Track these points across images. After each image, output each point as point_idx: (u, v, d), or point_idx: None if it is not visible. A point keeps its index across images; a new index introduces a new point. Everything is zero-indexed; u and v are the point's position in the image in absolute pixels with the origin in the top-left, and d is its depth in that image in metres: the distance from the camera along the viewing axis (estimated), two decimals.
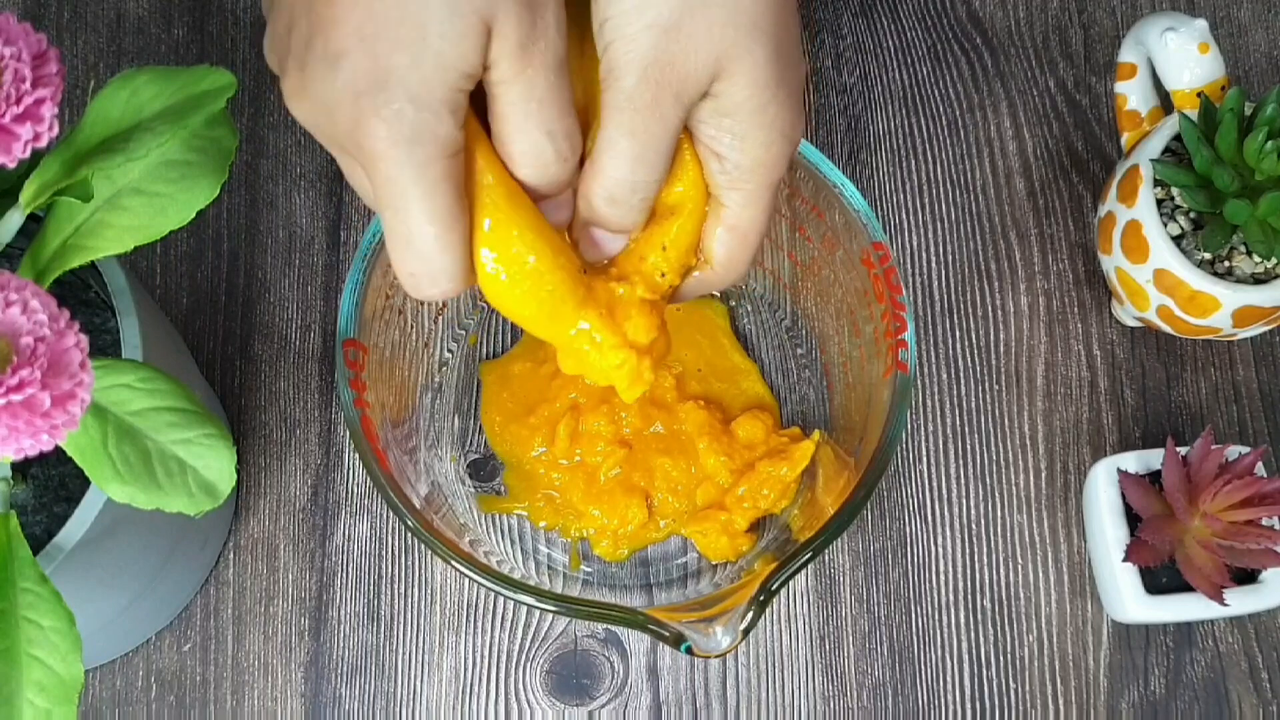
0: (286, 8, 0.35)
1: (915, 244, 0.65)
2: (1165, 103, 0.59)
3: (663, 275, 0.41)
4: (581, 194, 0.39)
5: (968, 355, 0.63)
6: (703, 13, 0.36)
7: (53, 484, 0.46)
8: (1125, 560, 0.55)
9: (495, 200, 0.37)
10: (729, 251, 0.41)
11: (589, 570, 0.58)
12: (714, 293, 0.62)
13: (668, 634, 0.44)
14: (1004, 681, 0.59)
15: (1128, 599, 0.56)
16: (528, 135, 0.37)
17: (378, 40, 0.33)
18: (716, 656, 0.44)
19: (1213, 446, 0.55)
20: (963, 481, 0.61)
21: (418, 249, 0.36)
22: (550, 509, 0.58)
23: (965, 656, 0.59)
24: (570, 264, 0.39)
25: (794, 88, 0.39)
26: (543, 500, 0.58)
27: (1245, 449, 0.56)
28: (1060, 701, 0.59)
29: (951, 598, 0.60)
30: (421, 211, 0.35)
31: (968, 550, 0.60)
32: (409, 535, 0.59)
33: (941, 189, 0.66)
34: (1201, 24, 0.55)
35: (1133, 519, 0.57)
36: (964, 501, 0.61)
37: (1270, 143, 0.52)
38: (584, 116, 0.38)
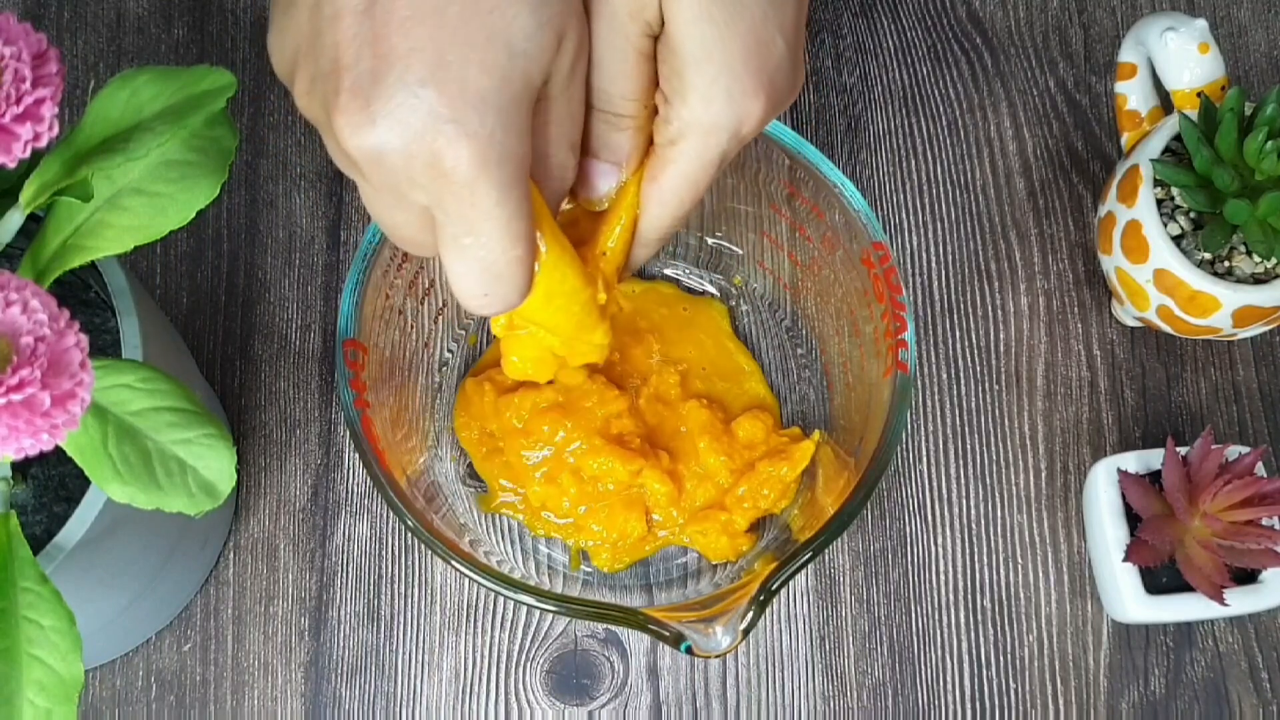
0: (330, 45, 0.34)
1: (915, 244, 0.65)
2: (1165, 103, 0.59)
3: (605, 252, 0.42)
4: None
5: (968, 355, 0.63)
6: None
7: (53, 484, 0.46)
8: (1125, 560, 0.55)
9: (542, 221, 0.37)
10: (646, 207, 0.40)
11: (589, 570, 0.58)
12: (714, 292, 0.62)
13: (668, 634, 0.44)
14: (1004, 681, 0.59)
15: (1128, 599, 0.56)
16: (562, 149, 0.36)
17: (467, 65, 0.32)
18: (716, 656, 0.44)
19: (1213, 446, 0.55)
20: (963, 481, 0.61)
21: (499, 271, 0.35)
22: (549, 523, 0.58)
23: (965, 656, 0.59)
24: (589, 278, 0.40)
25: (762, 36, 0.36)
26: (542, 525, 0.58)
27: (1245, 449, 0.56)
28: (1060, 701, 0.59)
29: (951, 598, 0.60)
30: (509, 234, 0.35)
31: (968, 550, 0.60)
32: (409, 535, 0.59)
33: (941, 189, 0.66)
34: (1201, 24, 0.55)
35: (1133, 519, 0.57)
36: (964, 501, 0.61)
37: (1270, 143, 0.52)
38: None
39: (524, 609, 0.59)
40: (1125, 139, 0.60)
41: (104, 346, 0.47)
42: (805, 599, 0.59)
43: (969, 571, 0.60)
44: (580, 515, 0.57)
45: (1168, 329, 0.58)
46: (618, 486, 0.57)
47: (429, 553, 0.59)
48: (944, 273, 0.64)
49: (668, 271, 0.62)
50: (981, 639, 0.59)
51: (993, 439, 0.62)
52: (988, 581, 0.60)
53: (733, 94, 0.36)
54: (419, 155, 0.33)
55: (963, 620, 0.59)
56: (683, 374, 0.59)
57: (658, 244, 0.41)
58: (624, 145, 0.39)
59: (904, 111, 0.67)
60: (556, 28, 0.34)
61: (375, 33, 0.33)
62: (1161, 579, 0.56)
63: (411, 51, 0.32)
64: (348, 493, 0.60)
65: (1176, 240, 0.56)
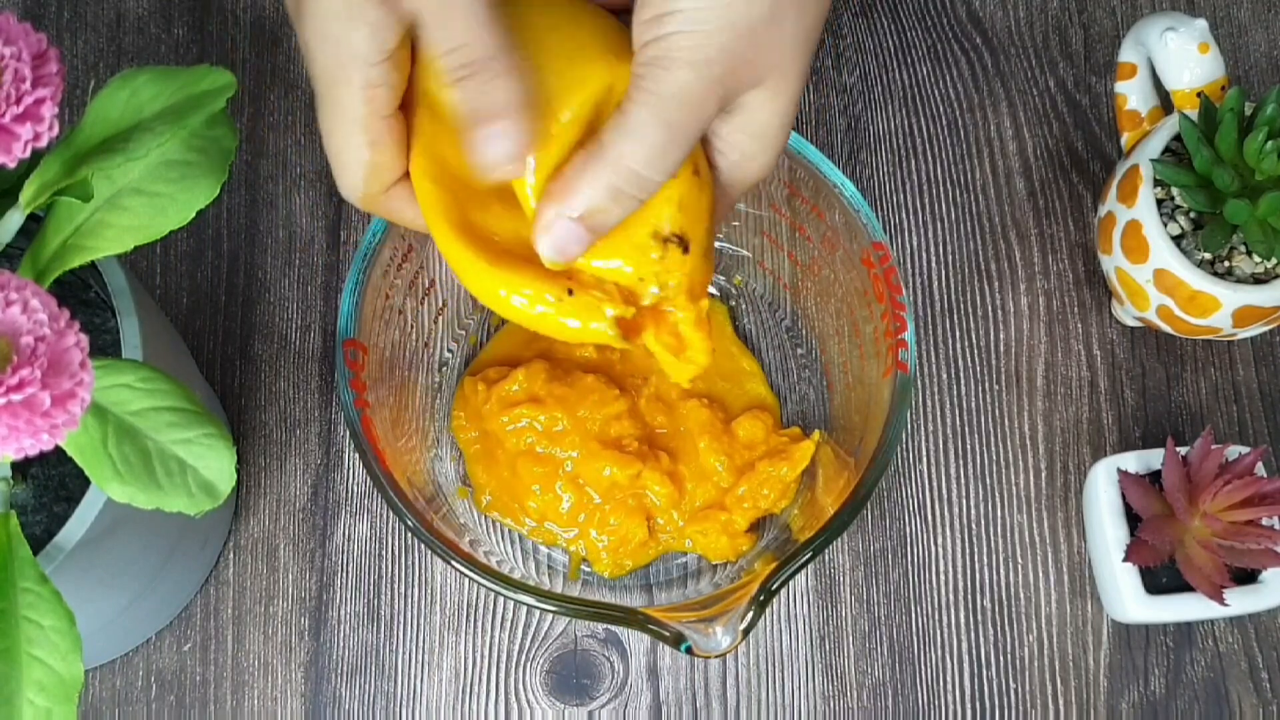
0: None
1: (915, 244, 0.65)
2: (1165, 103, 0.59)
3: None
4: (576, 180, 0.36)
5: (968, 355, 0.63)
6: (778, 26, 0.36)
7: (53, 484, 0.46)
8: (1125, 560, 0.55)
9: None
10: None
11: (589, 570, 0.58)
12: (713, 292, 0.62)
13: (667, 634, 0.44)
14: (1004, 681, 0.59)
15: (1128, 599, 0.56)
16: None
17: None
18: (716, 656, 0.44)
19: (1213, 446, 0.55)
20: (963, 481, 0.61)
21: (340, 160, 0.38)
22: (549, 532, 0.58)
23: (965, 656, 0.59)
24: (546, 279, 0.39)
25: (796, 115, 0.39)
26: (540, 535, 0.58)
27: (1245, 449, 0.56)
28: (1060, 701, 0.59)
29: (951, 598, 0.60)
30: (347, 128, 0.37)
31: (968, 550, 0.60)
32: (409, 535, 0.59)
33: (941, 189, 0.66)
34: (1201, 24, 0.55)
35: (1133, 519, 0.57)
36: (964, 501, 0.61)
37: (1270, 143, 0.52)
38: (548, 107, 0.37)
39: (524, 609, 0.59)
40: (1125, 139, 0.60)
41: (104, 346, 0.47)
42: (805, 599, 0.59)
43: (969, 571, 0.60)
44: (580, 523, 0.57)
45: (1168, 329, 0.58)
46: (617, 491, 0.57)
47: (429, 553, 0.59)
48: (944, 273, 0.64)
49: None
50: (981, 639, 0.59)
51: (993, 439, 0.62)
52: (988, 581, 0.60)
53: (780, 150, 0.39)
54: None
55: (963, 620, 0.59)
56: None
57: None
58: (615, 224, 0.37)
59: (904, 111, 0.67)
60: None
61: None
62: (1161, 579, 0.56)
63: None
64: (348, 493, 0.60)
65: (1176, 240, 0.56)
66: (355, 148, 0.37)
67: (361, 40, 0.35)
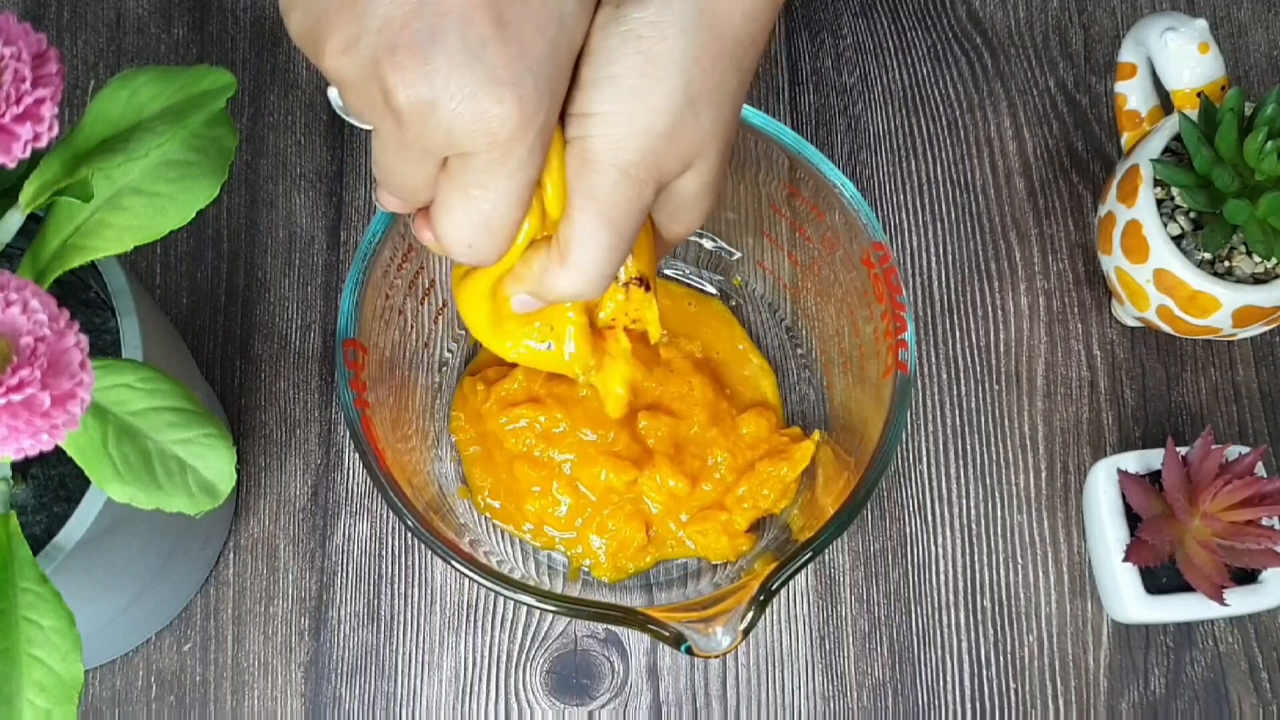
0: (382, 4, 0.34)
1: (915, 244, 0.65)
2: (1165, 103, 0.59)
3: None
4: (538, 284, 0.40)
5: (968, 355, 0.63)
6: (693, 122, 0.37)
7: (53, 484, 0.46)
8: (1125, 560, 0.55)
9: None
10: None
11: (588, 571, 0.58)
12: (713, 292, 0.62)
13: (667, 634, 0.44)
14: (1004, 681, 0.59)
15: (1128, 599, 0.56)
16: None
17: (524, 26, 0.34)
18: (716, 656, 0.44)
19: (1213, 446, 0.55)
20: (963, 481, 0.61)
21: (495, 228, 0.37)
22: (547, 536, 0.58)
23: (965, 656, 0.59)
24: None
25: (724, 178, 0.41)
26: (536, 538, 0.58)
27: (1245, 449, 0.56)
28: (1060, 701, 0.59)
29: (951, 598, 0.60)
30: (520, 197, 0.36)
31: (968, 550, 0.60)
32: (409, 535, 0.59)
33: (941, 189, 0.66)
34: (1201, 24, 0.55)
35: (1133, 519, 0.57)
36: (964, 501, 0.61)
37: (1270, 143, 0.52)
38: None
39: (524, 609, 0.59)
40: (1125, 139, 0.60)
41: (104, 346, 0.47)
42: (805, 599, 0.59)
43: (969, 571, 0.60)
44: (578, 527, 0.57)
45: (1168, 329, 0.58)
46: (614, 496, 0.56)
47: (429, 553, 0.59)
48: (944, 273, 0.64)
49: (668, 272, 0.62)
50: (981, 639, 0.59)
51: (993, 439, 0.62)
52: (988, 581, 0.60)
53: (709, 210, 0.42)
54: (468, 113, 0.34)
55: (963, 620, 0.59)
56: (691, 351, 0.59)
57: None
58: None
59: (904, 111, 0.67)
60: (590, 4, 0.36)
61: None
62: (1161, 579, 0.56)
63: (473, 9, 0.33)
64: (348, 493, 0.60)
65: (1176, 240, 0.56)
66: (527, 203, 0.38)
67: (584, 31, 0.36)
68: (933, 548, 0.60)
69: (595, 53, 0.36)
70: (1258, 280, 0.55)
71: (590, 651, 0.59)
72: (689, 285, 0.62)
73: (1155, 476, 0.57)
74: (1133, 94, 0.59)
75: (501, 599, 0.59)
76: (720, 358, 0.60)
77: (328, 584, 0.59)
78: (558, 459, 0.57)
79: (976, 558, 0.60)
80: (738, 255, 0.60)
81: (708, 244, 0.60)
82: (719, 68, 0.37)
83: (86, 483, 0.43)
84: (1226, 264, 0.55)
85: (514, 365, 0.58)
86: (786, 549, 0.54)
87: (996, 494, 0.61)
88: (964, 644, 0.59)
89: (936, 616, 0.59)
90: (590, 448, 0.56)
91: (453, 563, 0.46)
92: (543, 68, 0.34)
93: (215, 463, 0.40)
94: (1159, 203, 0.56)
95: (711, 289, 0.62)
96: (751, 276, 0.61)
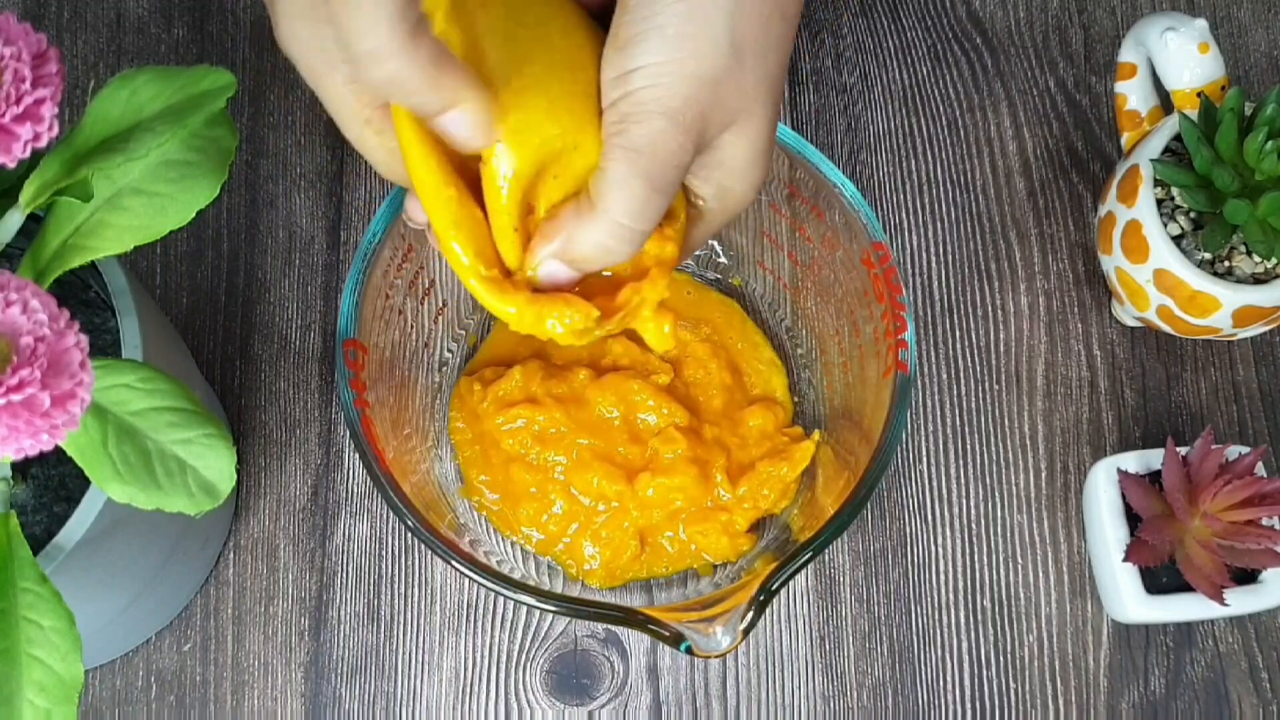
0: None
1: (915, 244, 0.65)
2: (1165, 103, 0.59)
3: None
4: (568, 241, 0.38)
5: (968, 355, 0.63)
6: (739, 72, 0.36)
7: (53, 484, 0.46)
8: (1125, 560, 0.55)
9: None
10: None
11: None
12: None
13: (667, 634, 0.44)
14: (1004, 681, 0.59)
15: (1128, 599, 0.56)
16: None
17: None
18: (716, 656, 0.44)
19: (1213, 446, 0.55)
20: (963, 481, 0.61)
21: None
22: (541, 544, 0.58)
23: (965, 656, 0.59)
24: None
25: (773, 148, 0.40)
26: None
27: (1245, 449, 0.56)
28: (1060, 701, 0.59)
29: (951, 598, 0.60)
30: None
31: (968, 550, 0.60)
32: (409, 535, 0.59)
33: (941, 189, 0.66)
34: (1201, 24, 0.55)
35: (1133, 519, 0.57)
36: (964, 501, 0.61)
37: (1270, 143, 0.52)
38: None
39: (524, 609, 0.59)
40: (1125, 139, 0.60)
41: (104, 346, 0.47)
42: (805, 599, 0.59)
43: (969, 571, 0.60)
44: (572, 533, 0.57)
45: (1168, 329, 0.58)
46: (605, 503, 0.56)
47: (429, 553, 0.59)
48: (944, 273, 0.64)
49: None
50: (981, 639, 0.59)
51: (993, 439, 0.62)
52: (988, 581, 0.60)
53: (758, 184, 0.40)
54: None
55: (963, 620, 0.59)
56: (707, 335, 0.59)
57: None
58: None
59: (904, 111, 0.67)
60: None
61: None
62: (1161, 579, 0.56)
63: None
64: (348, 493, 0.60)
65: (1176, 240, 0.56)
66: (363, 137, 0.37)
67: (331, 41, 0.35)
68: (933, 548, 0.60)
69: (636, 8, 0.36)
70: (1258, 280, 0.55)
71: (590, 651, 0.59)
72: (700, 279, 0.62)
73: (1155, 476, 0.57)
74: (1133, 94, 0.59)
75: (501, 599, 0.59)
76: (740, 341, 0.60)
77: (328, 584, 0.59)
78: (551, 462, 0.57)
79: (976, 558, 0.60)
80: (740, 252, 0.60)
81: (710, 240, 0.60)
82: (764, 12, 0.37)
83: (86, 483, 0.43)
84: (1226, 264, 0.55)
85: (511, 365, 0.58)
86: (786, 549, 0.54)
87: (996, 494, 0.61)
88: (964, 644, 0.59)
89: (936, 616, 0.59)
90: (586, 451, 0.56)
91: (453, 563, 0.46)
92: None
93: (215, 463, 0.40)
94: (1159, 203, 0.56)
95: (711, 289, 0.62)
96: (751, 276, 0.61)
